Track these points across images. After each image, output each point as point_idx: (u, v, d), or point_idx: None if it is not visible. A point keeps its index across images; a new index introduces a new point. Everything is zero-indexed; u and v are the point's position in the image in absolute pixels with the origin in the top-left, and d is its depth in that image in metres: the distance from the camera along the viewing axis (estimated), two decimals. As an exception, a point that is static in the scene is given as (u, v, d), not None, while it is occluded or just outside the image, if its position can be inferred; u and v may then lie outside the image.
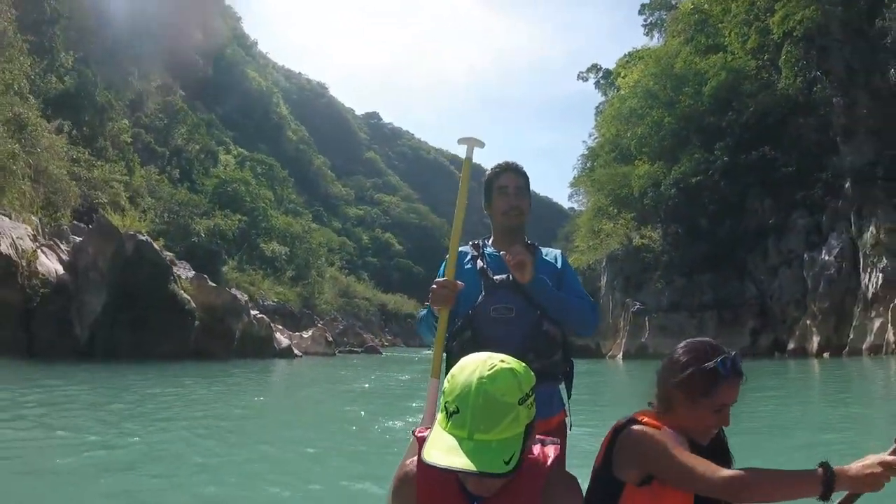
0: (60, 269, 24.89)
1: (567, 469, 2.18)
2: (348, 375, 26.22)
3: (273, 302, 51.55)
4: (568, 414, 3.33)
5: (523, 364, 1.88)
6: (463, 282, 3.22)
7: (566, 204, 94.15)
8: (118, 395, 13.93)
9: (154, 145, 63.15)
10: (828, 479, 1.96)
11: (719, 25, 48.95)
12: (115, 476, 6.64)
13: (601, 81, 73.01)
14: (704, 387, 2.24)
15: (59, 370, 17.90)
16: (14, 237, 23.09)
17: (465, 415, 1.73)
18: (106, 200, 37.92)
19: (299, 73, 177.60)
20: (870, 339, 31.57)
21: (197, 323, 28.21)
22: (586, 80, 75.50)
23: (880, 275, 32.04)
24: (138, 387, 15.78)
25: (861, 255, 33.93)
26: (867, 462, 2.01)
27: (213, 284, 32.29)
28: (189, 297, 28.30)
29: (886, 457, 2.00)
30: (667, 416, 2.33)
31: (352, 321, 74.75)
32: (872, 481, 1.97)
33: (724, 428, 2.40)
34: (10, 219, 24.31)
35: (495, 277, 3.23)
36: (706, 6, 51.74)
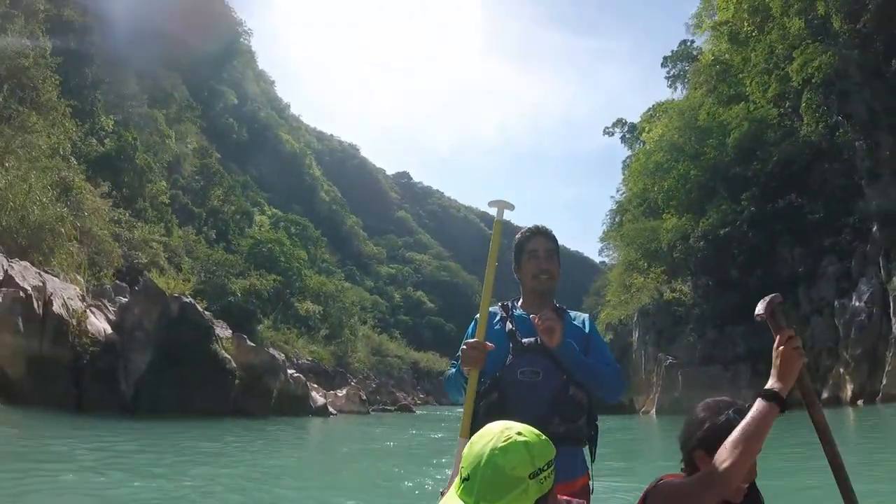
0: (108, 329, 25.91)
1: None
2: (382, 433, 27.02)
3: (307, 360, 51.96)
4: (591, 477, 3.35)
5: (543, 437, 1.90)
6: (491, 342, 3.25)
7: (597, 258, 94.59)
8: (163, 449, 14.69)
9: (191, 206, 64.55)
10: (768, 395, 2.14)
11: (740, 76, 49.82)
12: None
13: (627, 136, 75.47)
14: (722, 438, 2.26)
15: (106, 425, 18.71)
16: (65, 297, 24.13)
17: (474, 483, 1.77)
18: (146, 260, 39.14)
19: (331, 135, 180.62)
20: (904, 387, 31.53)
21: (237, 381, 29.15)
22: (612, 134, 78.11)
23: (909, 320, 32.18)
24: (183, 441, 16.60)
25: (891, 299, 33.96)
26: (774, 357, 2.29)
27: (252, 344, 33.28)
28: (230, 357, 29.31)
29: (775, 343, 2.29)
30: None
31: (384, 379, 74.98)
32: (788, 361, 2.23)
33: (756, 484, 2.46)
34: (59, 279, 25.33)
35: (523, 340, 3.29)
36: (726, 56, 52.84)
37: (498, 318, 3.49)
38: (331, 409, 37.90)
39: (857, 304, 35.75)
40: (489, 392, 3.22)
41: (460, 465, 1.86)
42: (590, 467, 3.35)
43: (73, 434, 15.73)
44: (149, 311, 26.87)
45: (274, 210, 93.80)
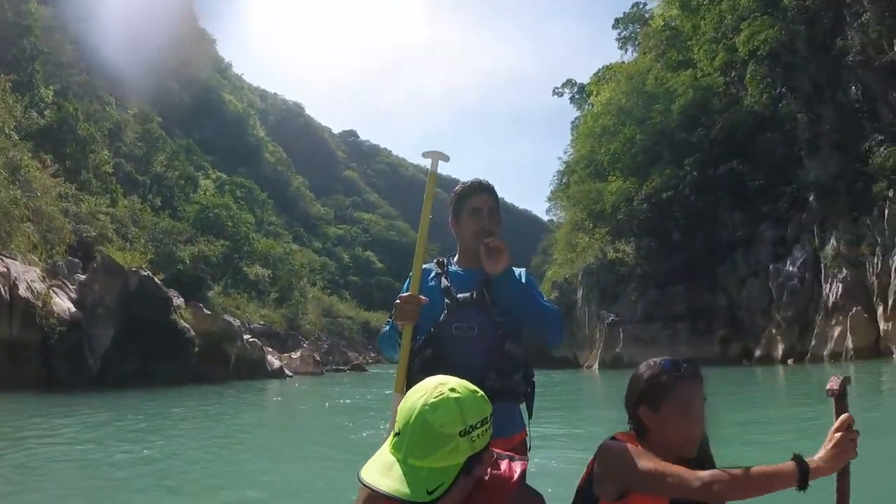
0: (72, 307, 26.80)
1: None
2: (337, 392, 28.09)
3: (259, 324, 52.53)
4: (528, 434, 3.32)
5: (479, 394, 1.88)
6: (426, 299, 3.21)
7: (545, 217, 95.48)
8: (134, 418, 15.63)
9: (135, 174, 64.07)
10: (801, 468, 2.05)
11: (689, 43, 51.26)
12: (141, 484, 8.33)
13: (576, 97, 75.89)
14: (662, 389, 2.32)
15: (78, 401, 19.44)
16: (28, 280, 24.99)
17: (404, 439, 1.77)
18: (95, 234, 38.87)
19: (275, 94, 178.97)
20: (830, 347, 33.65)
21: (196, 349, 30.32)
22: (561, 95, 78.51)
23: (840, 285, 34.36)
24: (149, 409, 17.60)
25: (823, 266, 36.18)
26: (828, 438, 2.15)
27: (208, 312, 34.37)
28: (188, 326, 30.43)
29: (835, 423, 2.16)
30: (644, 438, 2.40)
31: (336, 340, 76.17)
32: (840, 451, 2.10)
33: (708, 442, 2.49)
34: (18, 262, 25.91)
35: (459, 296, 3.22)
36: (677, 22, 54.23)
37: (433, 274, 3.42)
38: (287, 371, 39.05)
39: (790, 268, 37.97)
40: (424, 348, 3.18)
41: (396, 419, 1.86)
42: (527, 424, 3.31)
43: (51, 411, 16.50)
44: (109, 287, 27.94)
45: (219, 173, 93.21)
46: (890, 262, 32.42)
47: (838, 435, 2.13)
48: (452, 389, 1.82)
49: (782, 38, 40.81)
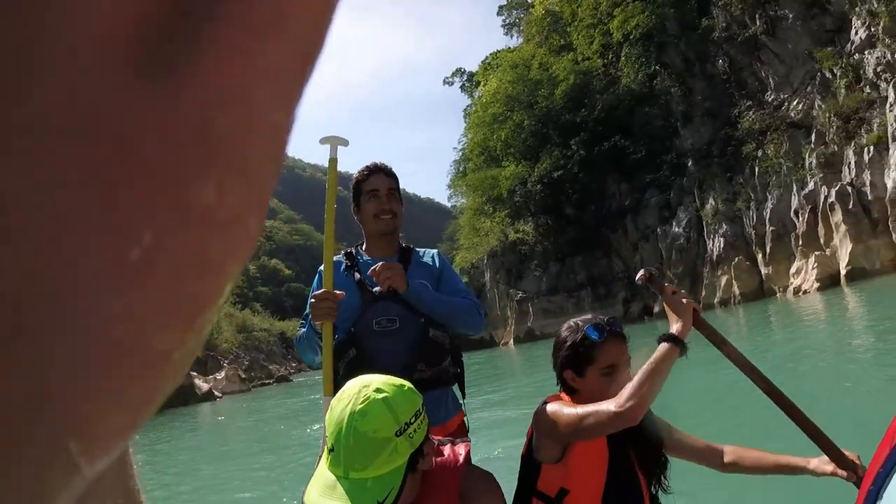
0: None
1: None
2: (269, 405, 29.57)
3: None
4: (465, 414, 3.26)
5: (406, 387, 1.84)
6: (342, 293, 3.07)
7: (448, 203, 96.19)
8: None
9: None
10: (668, 338, 2.22)
11: (568, 29, 54.38)
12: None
13: (466, 85, 77.79)
14: (585, 355, 2.33)
15: None
16: None
17: (340, 454, 1.71)
18: None
19: None
20: (719, 295, 37.06)
21: None
22: (452, 84, 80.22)
23: (721, 239, 37.83)
24: None
25: (705, 224, 39.62)
26: (667, 311, 2.36)
27: None
28: None
29: (664, 298, 2.38)
30: (574, 399, 2.39)
31: (255, 355, 75.11)
32: (680, 308, 2.32)
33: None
34: None
35: (374, 289, 3.10)
36: (557, 8, 56.88)
37: (343, 267, 3.27)
38: (215, 392, 40.21)
39: (676, 229, 41.23)
40: (345, 349, 3.04)
41: (326, 434, 1.80)
42: (462, 405, 3.25)
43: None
44: None
45: None
46: (764, 213, 35.95)
47: (667, 300, 2.35)
48: (378, 390, 1.77)
49: (653, 23, 43.99)
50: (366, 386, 1.78)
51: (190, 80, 0.19)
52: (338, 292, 3.01)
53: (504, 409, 12.92)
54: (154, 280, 0.19)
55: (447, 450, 2.03)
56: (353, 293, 3.11)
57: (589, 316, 2.50)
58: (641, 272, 2.55)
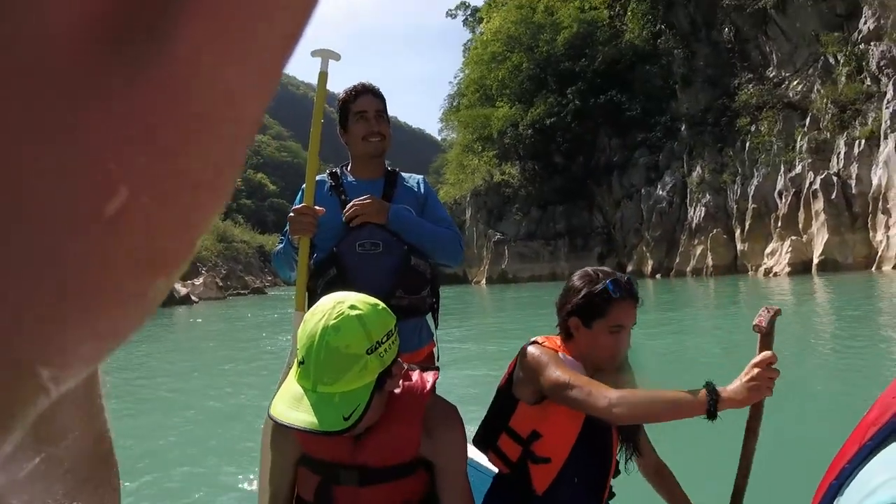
0: None
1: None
2: (243, 313, 30.03)
3: None
4: (437, 344, 3.26)
5: (380, 307, 1.84)
6: (324, 215, 3.02)
7: (438, 135, 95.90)
8: None
9: None
10: (711, 398, 2.00)
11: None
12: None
13: (469, 19, 76.96)
14: (598, 308, 2.27)
15: None
16: None
17: (310, 366, 1.71)
18: None
19: None
20: (692, 263, 37.53)
21: None
22: (454, 17, 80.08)
23: (703, 209, 38.10)
24: None
25: (689, 191, 39.84)
26: (745, 371, 2.06)
27: None
28: None
29: (755, 360, 2.06)
30: (569, 344, 2.37)
31: (232, 265, 75.84)
32: (756, 387, 2.02)
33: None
34: None
35: None
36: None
37: (327, 186, 3.21)
38: (192, 297, 40.48)
39: (660, 192, 41.48)
40: (326, 268, 3.02)
41: (296, 347, 1.79)
42: (434, 334, 3.25)
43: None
44: None
45: None
46: (749, 189, 36.13)
47: (757, 370, 2.04)
48: (352, 307, 1.77)
49: (665, -24, 43.19)
50: (340, 302, 1.78)
51: (166, 58, 0.20)
52: (318, 208, 2.99)
53: (469, 344, 13.04)
54: (128, 234, 0.21)
55: (415, 375, 2.04)
56: (337, 213, 3.05)
57: (607, 269, 2.46)
58: (770, 312, 2.17)
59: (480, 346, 12.16)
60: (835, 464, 1.20)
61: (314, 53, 3.20)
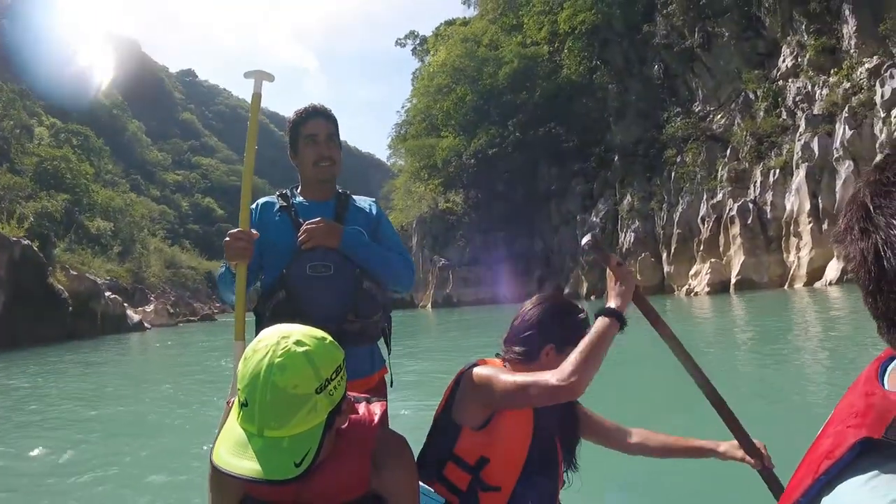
0: None
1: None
2: (195, 339, 31.66)
3: (106, 280, 51.48)
4: (389, 370, 3.24)
5: (328, 340, 1.73)
6: (274, 236, 3.03)
7: (388, 160, 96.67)
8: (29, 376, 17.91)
9: None
10: (611, 312, 2.17)
11: (520, 12, 56.78)
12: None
13: (418, 48, 78.73)
14: (574, 336, 2.27)
15: None
16: None
17: (254, 409, 1.60)
18: None
19: (109, 31, 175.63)
20: (623, 286, 40.28)
21: (70, 309, 33.67)
22: (404, 46, 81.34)
23: (632, 234, 41.15)
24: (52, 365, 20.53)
25: (619, 218, 42.87)
26: (609, 281, 2.32)
27: (74, 273, 37.56)
28: (63, 288, 33.94)
29: (609, 267, 2.32)
30: (521, 367, 2.38)
31: (180, 291, 76.14)
32: (623, 280, 2.27)
33: None
34: None
35: None
36: (514, -13, 59.19)
37: (277, 207, 3.17)
38: (146, 324, 42.36)
39: (594, 218, 44.43)
40: (275, 291, 2.96)
41: (238, 387, 1.66)
42: (387, 360, 3.22)
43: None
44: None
45: (52, 119, 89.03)
46: (674, 215, 39.04)
47: (612, 271, 2.30)
48: (298, 342, 1.66)
49: (599, 20, 46.62)
50: (285, 337, 1.67)
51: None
52: (253, 231, 2.93)
53: (419, 367, 13.24)
54: None
55: (362, 408, 1.98)
56: (289, 234, 3.03)
57: (565, 299, 2.58)
58: (588, 237, 2.43)
59: (430, 370, 12.41)
60: (788, 494, 1.03)
61: (247, 75, 3.22)
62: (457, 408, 2.37)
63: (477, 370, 2.34)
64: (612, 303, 2.26)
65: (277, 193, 3.28)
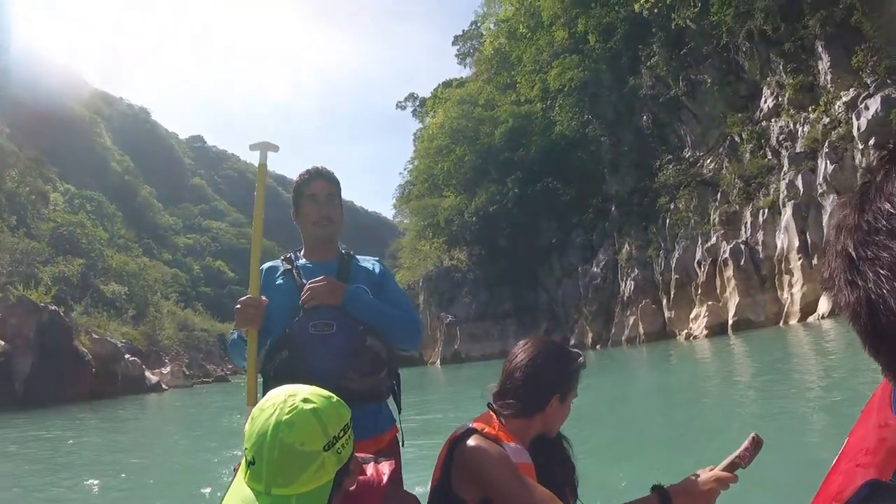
0: (2, 341, 31.53)
1: (406, 486, 2.23)
2: (210, 400, 32.63)
3: (122, 342, 52.06)
4: (400, 429, 3.26)
5: (334, 399, 1.75)
6: (277, 298, 3.10)
7: (394, 219, 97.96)
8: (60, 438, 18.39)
9: None
10: (664, 498, 2.15)
11: (513, 72, 58.62)
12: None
13: (418, 110, 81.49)
14: (574, 384, 2.42)
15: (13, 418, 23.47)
16: None
17: (262, 467, 1.61)
18: None
19: (120, 98, 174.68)
20: (626, 333, 41.26)
21: (93, 370, 35.70)
22: (404, 108, 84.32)
23: (632, 282, 42.05)
24: (76, 425, 21.66)
25: (619, 267, 43.97)
26: (702, 478, 2.21)
27: (97, 336, 39.46)
28: (86, 350, 35.88)
29: (720, 473, 2.20)
30: (518, 422, 2.40)
31: (194, 353, 76.77)
32: (707, 499, 2.17)
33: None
34: None
35: None
36: (507, 48, 61.38)
37: (281, 271, 3.28)
38: (163, 385, 44.26)
39: (595, 269, 45.65)
40: (278, 350, 3.01)
41: (244, 446, 1.69)
42: (397, 420, 3.24)
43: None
44: (26, 322, 33.26)
45: (66, 185, 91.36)
46: (671, 262, 39.94)
47: (716, 483, 2.23)
48: (305, 400, 1.68)
49: (587, 77, 48.07)
50: (292, 395, 1.68)
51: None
52: (262, 298, 3.04)
53: (429, 422, 13.46)
54: None
55: (370, 468, 1.95)
56: (292, 295, 3.09)
57: (555, 343, 2.58)
58: (751, 447, 2.33)
59: (441, 424, 12.31)
60: None
61: (252, 147, 3.34)
62: (455, 481, 2.33)
63: (472, 447, 2.30)
64: (676, 491, 2.29)
65: (282, 257, 3.41)
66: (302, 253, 3.38)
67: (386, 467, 1.96)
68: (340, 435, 1.69)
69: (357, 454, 1.87)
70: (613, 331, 42.48)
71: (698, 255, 38.42)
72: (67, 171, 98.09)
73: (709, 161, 41.05)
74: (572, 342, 44.48)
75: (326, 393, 1.76)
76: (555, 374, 2.44)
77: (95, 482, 10.03)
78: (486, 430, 2.32)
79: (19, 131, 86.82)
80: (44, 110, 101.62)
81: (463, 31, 79.50)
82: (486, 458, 2.23)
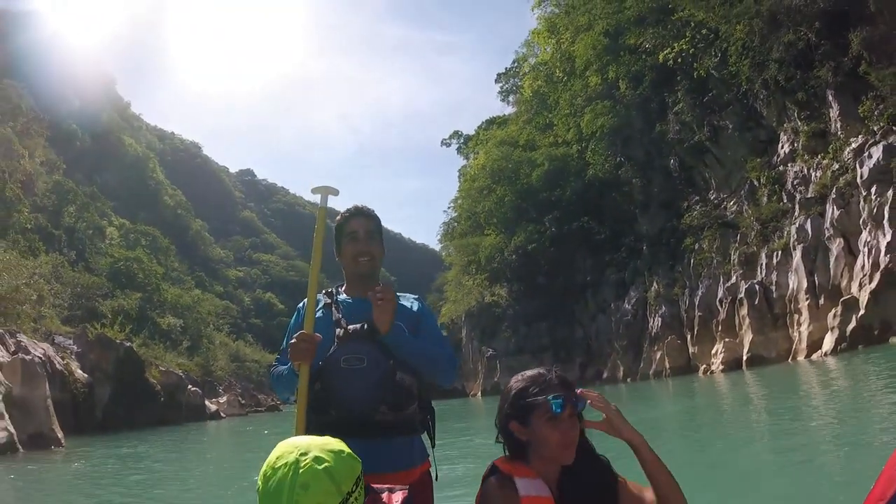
0: (84, 374, 36.33)
1: None
2: (268, 427, 36.29)
3: (178, 373, 53.92)
4: (433, 463, 3.31)
5: (345, 453, 1.84)
6: (315, 331, 3.16)
7: (441, 252, 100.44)
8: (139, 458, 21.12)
9: (50, 228, 65.00)
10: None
11: (550, 115, 62.46)
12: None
13: (462, 147, 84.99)
14: (530, 405, 2.41)
15: (100, 441, 27.54)
16: (51, 354, 32.90)
17: None
18: (35, 296, 39.71)
19: (172, 133, 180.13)
20: (654, 367, 44.52)
21: (162, 399, 41.22)
22: (449, 145, 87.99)
23: (660, 319, 45.31)
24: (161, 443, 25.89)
25: (648, 304, 47.36)
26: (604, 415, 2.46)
27: (163, 368, 45.07)
28: (155, 381, 41.38)
29: (600, 404, 2.46)
30: (523, 453, 2.49)
31: (245, 384, 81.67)
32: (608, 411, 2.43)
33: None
34: (26, 339, 31.15)
35: (349, 327, 3.20)
36: (545, 90, 65.04)
37: (321, 304, 3.40)
38: (222, 413, 49.56)
39: (627, 306, 49.08)
40: (311, 382, 3.12)
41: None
42: (431, 454, 3.30)
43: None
44: (104, 356, 38.63)
45: (121, 220, 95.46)
46: (695, 299, 42.99)
47: (602, 404, 2.46)
48: (317, 458, 1.74)
49: (617, 123, 51.25)
50: (303, 454, 1.75)
51: None
52: (317, 335, 3.12)
53: (466, 458, 13.59)
54: None
55: (385, 496, 2.04)
56: (328, 329, 3.22)
57: (530, 371, 2.62)
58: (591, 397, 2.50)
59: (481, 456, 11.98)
60: None
61: (314, 191, 3.54)
62: None
63: (479, 495, 2.47)
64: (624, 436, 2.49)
65: (324, 291, 3.50)
66: (343, 288, 3.54)
67: (399, 496, 2.09)
68: (353, 490, 1.79)
69: (373, 485, 2.07)
70: (642, 365, 45.77)
71: (720, 294, 41.01)
72: (121, 206, 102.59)
73: (731, 203, 43.71)
74: (605, 375, 48.26)
75: (337, 446, 1.86)
76: (506, 401, 2.55)
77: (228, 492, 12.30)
78: (504, 466, 2.48)
79: (75, 167, 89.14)
80: (99, 146, 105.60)
81: (506, 69, 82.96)
82: (496, 500, 2.39)
